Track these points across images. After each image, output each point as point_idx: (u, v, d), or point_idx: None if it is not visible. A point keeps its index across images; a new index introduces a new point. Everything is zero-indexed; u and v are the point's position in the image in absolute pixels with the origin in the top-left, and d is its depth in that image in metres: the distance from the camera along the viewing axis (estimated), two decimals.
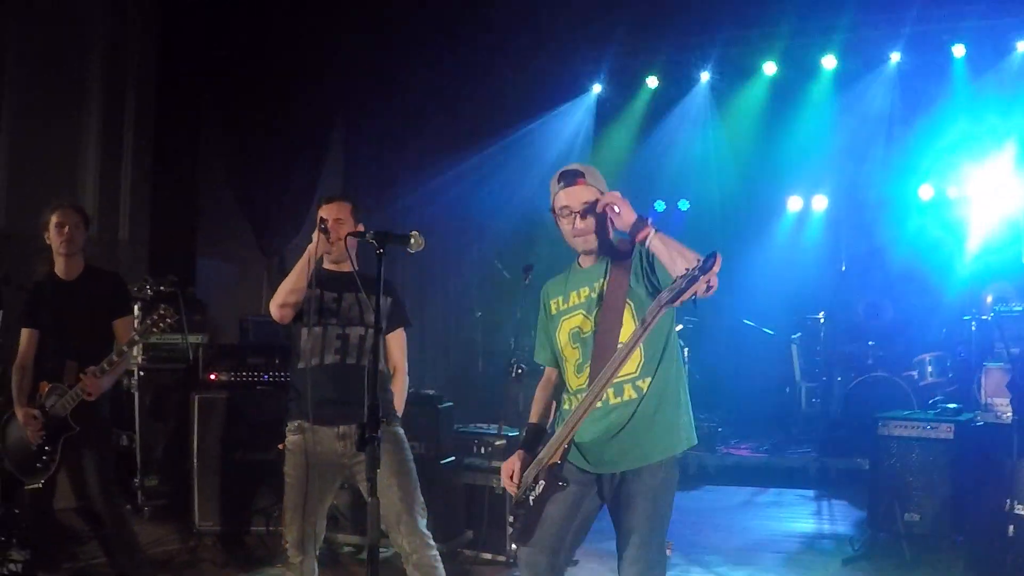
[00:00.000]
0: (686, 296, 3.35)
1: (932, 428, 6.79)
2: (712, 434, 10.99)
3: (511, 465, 3.99)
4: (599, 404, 3.75)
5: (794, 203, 13.09)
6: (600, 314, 3.83)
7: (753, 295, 11.92)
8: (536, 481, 3.83)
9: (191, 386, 7.35)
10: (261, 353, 7.43)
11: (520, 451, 4.02)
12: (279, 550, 5.48)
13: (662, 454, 3.84)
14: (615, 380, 3.71)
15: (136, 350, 7.55)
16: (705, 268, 3.32)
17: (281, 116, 10.20)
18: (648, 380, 3.79)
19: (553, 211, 3.97)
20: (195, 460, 7.04)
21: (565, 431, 3.75)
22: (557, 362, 4.11)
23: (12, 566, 6.01)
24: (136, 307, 5.76)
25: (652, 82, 12.95)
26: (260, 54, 9.85)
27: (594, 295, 3.89)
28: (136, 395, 7.74)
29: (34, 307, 5.68)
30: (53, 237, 5.58)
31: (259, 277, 10.60)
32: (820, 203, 12.84)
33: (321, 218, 4.87)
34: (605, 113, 13.48)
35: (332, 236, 4.81)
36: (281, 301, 4.81)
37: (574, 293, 4.01)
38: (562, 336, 4.01)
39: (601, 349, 3.76)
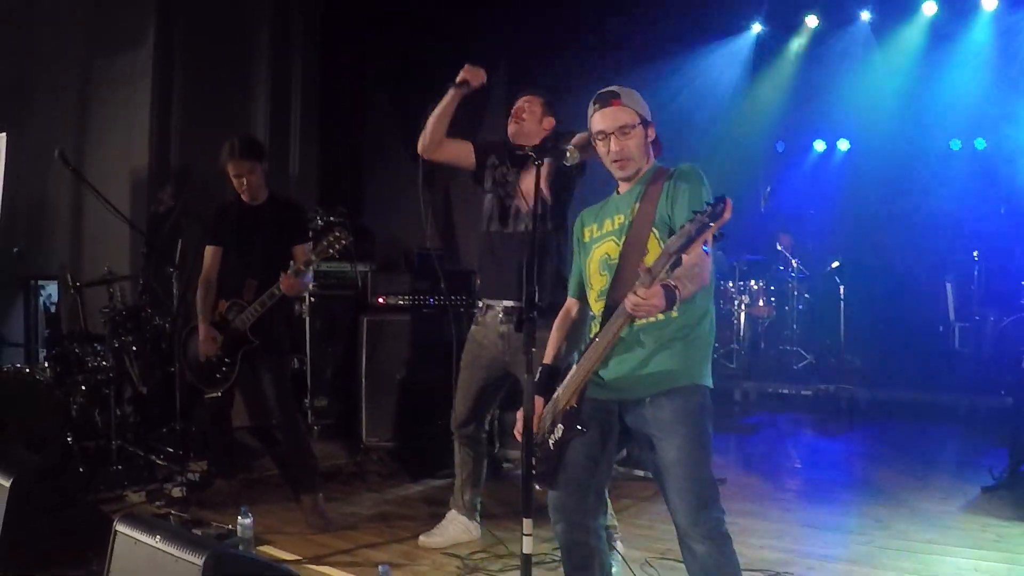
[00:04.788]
0: (695, 245, 3.19)
1: None
2: (865, 370, 11.07)
3: (535, 417, 3.68)
4: (623, 334, 3.54)
5: (953, 144, 12.80)
6: (627, 241, 3.63)
7: (912, 234, 11.86)
8: (554, 425, 3.65)
9: (360, 310, 7.64)
10: (427, 278, 7.67)
11: (538, 397, 3.72)
12: (442, 463, 5.70)
13: (690, 379, 3.60)
14: None
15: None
16: (715, 215, 3.14)
17: (444, 54, 10.35)
18: (675, 307, 3.44)
19: (590, 135, 3.79)
20: (363, 379, 7.34)
21: (582, 372, 3.59)
22: (582, 294, 3.91)
23: (191, 475, 6.40)
24: (313, 240, 6.03)
25: (812, 21, 12.77)
26: None
27: (626, 221, 3.67)
28: (307, 320, 8.07)
29: (220, 227, 5.98)
30: (233, 183, 5.87)
31: (422, 212, 10.86)
32: (978, 145, 12.53)
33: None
34: (764, 52, 13.33)
35: (520, 122, 5.21)
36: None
37: (608, 220, 3.79)
38: (592, 264, 3.80)
39: (623, 275, 3.58)
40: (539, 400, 3.70)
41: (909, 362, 11.42)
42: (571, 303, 3.98)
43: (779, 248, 11.96)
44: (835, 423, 9.68)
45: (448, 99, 5.19)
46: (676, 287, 3.29)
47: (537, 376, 3.75)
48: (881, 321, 11.95)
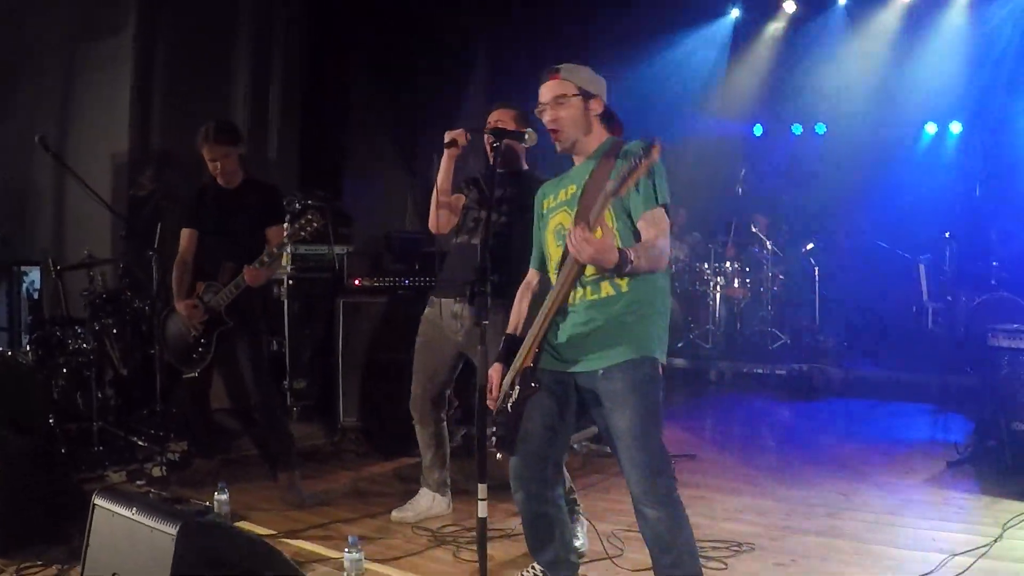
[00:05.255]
0: (629, 182, 3.32)
1: None
2: (839, 350, 11.23)
3: (493, 383, 3.90)
4: (574, 299, 3.73)
5: (929, 128, 13.09)
6: (579, 211, 3.70)
7: (886, 217, 12.02)
8: (512, 387, 3.79)
9: (337, 292, 7.76)
10: (402, 260, 7.80)
11: (497, 364, 3.92)
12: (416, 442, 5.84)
13: (640, 352, 3.68)
14: (592, 277, 3.69)
15: (285, 260, 8.01)
16: (644, 155, 3.29)
17: (425, 38, 10.49)
18: (627, 280, 3.67)
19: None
20: (340, 360, 7.47)
21: (534, 333, 3.74)
22: (542, 265, 4.06)
23: (171, 455, 6.55)
24: (286, 219, 6.14)
25: (789, 6, 12.97)
26: None
27: (579, 192, 3.76)
28: (285, 303, 8.18)
29: (195, 210, 6.09)
30: (208, 167, 5.98)
31: (403, 195, 11.02)
32: (955, 128, 12.79)
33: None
34: (741, 37, 13.56)
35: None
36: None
37: (562, 191, 3.91)
38: (549, 235, 3.94)
39: None
40: (500, 367, 3.87)
41: (883, 342, 11.60)
42: (532, 274, 4.13)
43: (754, 230, 12.09)
44: (807, 402, 9.85)
45: (444, 167, 5.14)
46: (632, 258, 3.43)
47: (501, 345, 3.94)
48: (855, 302, 12.16)
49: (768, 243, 11.99)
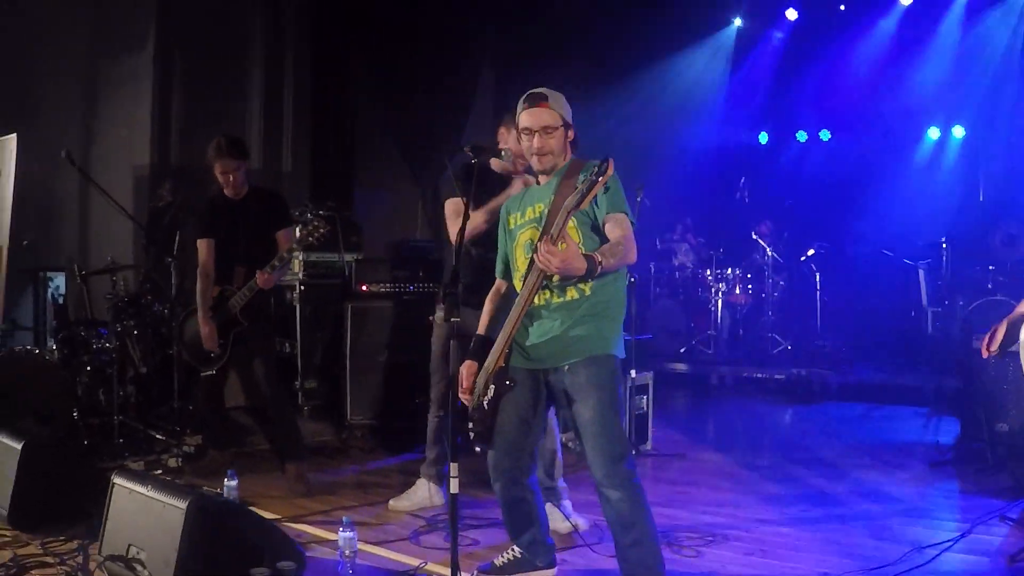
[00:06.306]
0: (588, 197, 3.70)
1: None
2: (838, 355, 11.44)
3: (465, 376, 4.22)
4: (541, 302, 4.09)
5: (932, 133, 13.30)
6: (544, 226, 4.00)
7: (889, 222, 12.22)
8: (487, 386, 4.13)
9: (345, 297, 8.10)
10: (407, 266, 8.17)
11: (469, 361, 4.24)
12: (420, 439, 6.19)
13: (602, 349, 4.05)
14: (558, 282, 4.02)
15: (297, 266, 8.40)
16: (601, 172, 3.67)
17: (432, 53, 10.80)
18: (591, 283, 4.02)
19: (517, 128, 4.27)
20: (348, 362, 7.84)
21: (504, 336, 4.08)
22: (508, 275, 4.39)
23: (187, 448, 6.96)
24: (297, 228, 6.44)
25: (791, 14, 13.25)
26: None
27: (546, 210, 4.08)
28: (297, 307, 8.54)
29: (209, 221, 6.44)
30: (219, 180, 6.32)
31: (413, 205, 11.37)
32: (957, 132, 13.01)
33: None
34: (744, 45, 13.86)
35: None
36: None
37: (529, 208, 4.26)
38: (518, 249, 4.26)
39: None
40: (473, 364, 4.24)
41: (882, 346, 11.82)
42: (500, 283, 4.49)
43: (754, 237, 12.36)
44: (804, 406, 10.12)
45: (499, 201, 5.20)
46: (600, 260, 3.81)
47: (472, 344, 4.32)
48: (856, 307, 12.39)
49: (769, 250, 12.25)
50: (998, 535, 5.22)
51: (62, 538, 4.92)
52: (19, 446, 5.16)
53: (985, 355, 4.47)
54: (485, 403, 4.14)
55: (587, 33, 12.20)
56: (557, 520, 5.25)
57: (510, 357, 4.16)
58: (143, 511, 4.08)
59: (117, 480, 4.29)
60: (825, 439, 8.35)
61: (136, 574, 3.99)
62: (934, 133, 13.36)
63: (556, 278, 3.98)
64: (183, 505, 3.86)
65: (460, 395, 4.21)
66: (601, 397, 4.00)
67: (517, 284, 4.24)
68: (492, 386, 4.13)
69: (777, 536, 5.30)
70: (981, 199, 12.11)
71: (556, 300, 4.09)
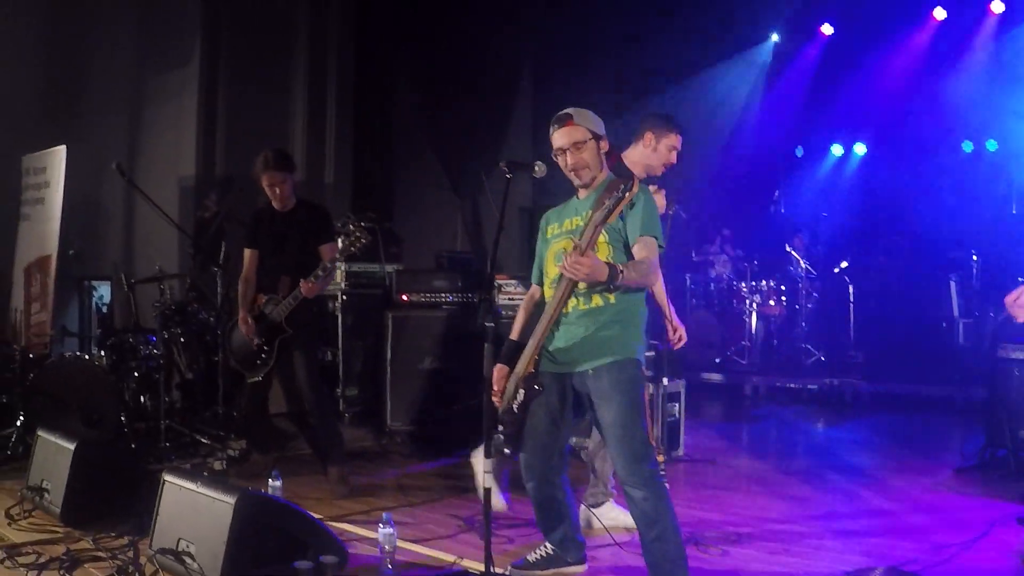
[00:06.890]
0: (614, 214, 3.92)
1: None
2: (870, 365, 11.58)
3: (495, 379, 4.35)
4: (567, 309, 4.25)
5: (965, 146, 13.34)
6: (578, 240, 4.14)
7: (920, 235, 12.33)
8: (516, 391, 4.29)
9: (386, 307, 8.30)
10: (446, 276, 8.35)
11: (501, 365, 4.40)
12: (458, 444, 6.34)
13: (624, 355, 4.21)
14: (585, 290, 4.21)
15: (340, 277, 8.61)
16: (627, 188, 3.87)
17: (471, 67, 10.97)
18: (615, 293, 4.21)
19: (552, 151, 4.45)
20: (388, 369, 8.03)
21: (535, 342, 4.25)
22: (542, 280, 4.56)
23: (231, 452, 7.15)
24: (339, 239, 6.62)
25: (827, 29, 13.38)
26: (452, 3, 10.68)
27: (582, 224, 4.16)
28: (340, 317, 8.78)
29: (254, 231, 6.68)
30: (266, 192, 6.53)
31: (452, 216, 11.56)
32: (990, 146, 13.03)
33: None
34: (781, 60, 13.99)
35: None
36: None
37: (568, 221, 4.43)
38: (550, 255, 4.46)
39: None
40: (504, 367, 4.40)
41: (913, 357, 11.80)
42: (534, 289, 4.68)
43: (788, 249, 12.47)
44: (836, 415, 10.19)
45: None
46: (621, 269, 4.01)
47: (504, 348, 4.49)
48: (888, 319, 12.34)
49: (803, 262, 12.35)
50: (1015, 536, 5.31)
51: (113, 534, 5.08)
52: (72, 446, 5.38)
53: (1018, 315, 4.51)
54: (515, 407, 4.30)
55: (626, 46, 12.33)
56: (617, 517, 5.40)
57: (539, 362, 4.32)
58: (192, 506, 4.28)
59: (167, 477, 4.51)
60: (856, 446, 8.46)
61: (186, 566, 4.18)
62: (967, 146, 13.39)
63: (583, 285, 4.16)
64: (232, 500, 4.05)
65: (492, 398, 4.35)
66: (623, 401, 4.16)
67: (547, 289, 4.43)
68: (522, 391, 4.29)
69: (801, 536, 5.43)
70: (1014, 211, 12.13)
71: (582, 307, 4.26)
